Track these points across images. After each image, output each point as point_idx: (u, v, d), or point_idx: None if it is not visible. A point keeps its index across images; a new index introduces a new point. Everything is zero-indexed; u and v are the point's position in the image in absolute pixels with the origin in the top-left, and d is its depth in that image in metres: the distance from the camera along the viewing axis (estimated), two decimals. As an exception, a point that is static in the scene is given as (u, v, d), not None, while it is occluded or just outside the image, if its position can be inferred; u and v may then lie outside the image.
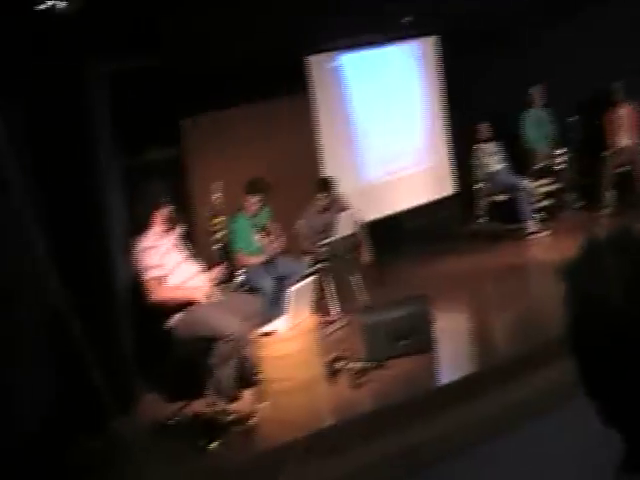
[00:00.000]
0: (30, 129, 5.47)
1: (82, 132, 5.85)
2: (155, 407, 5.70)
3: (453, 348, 6.06)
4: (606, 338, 1.07)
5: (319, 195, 7.72)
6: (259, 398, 5.34)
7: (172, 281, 5.35)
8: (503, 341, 6.64)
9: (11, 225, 3.40)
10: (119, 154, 6.82)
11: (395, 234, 9.90)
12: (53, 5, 4.02)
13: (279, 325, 5.39)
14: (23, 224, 3.21)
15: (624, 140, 9.52)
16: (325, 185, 7.83)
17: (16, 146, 5.07)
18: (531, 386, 5.18)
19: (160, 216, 5.57)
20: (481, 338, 6.67)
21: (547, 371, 5.22)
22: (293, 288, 5.46)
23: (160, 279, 5.29)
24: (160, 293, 5.27)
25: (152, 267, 5.28)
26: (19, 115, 5.33)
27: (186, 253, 5.63)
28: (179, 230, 5.72)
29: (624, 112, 9.56)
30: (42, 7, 4.07)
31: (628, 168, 9.47)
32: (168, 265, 5.37)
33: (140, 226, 5.58)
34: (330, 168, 9.05)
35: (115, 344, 5.91)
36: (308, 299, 5.58)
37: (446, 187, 10.71)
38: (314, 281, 6.77)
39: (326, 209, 7.76)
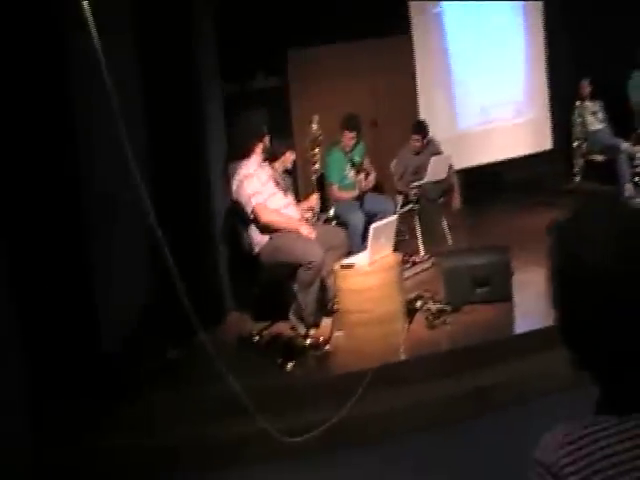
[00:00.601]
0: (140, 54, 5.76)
1: (188, 60, 6.09)
2: (242, 324, 6.08)
3: (531, 301, 6.12)
4: (584, 292, 1.19)
5: (414, 136, 7.80)
6: (336, 327, 5.58)
7: (271, 207, 5.64)
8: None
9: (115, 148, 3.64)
10: (225, 81, 7.08)
11: (494, 184, 9.92)
12: None
13: (360, 259, 5.56)
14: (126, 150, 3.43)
15: None
16: (420, 127, 7.92)
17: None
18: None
19: (262, 145, 5.81)
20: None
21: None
22: (374, 225, 5.58)
23: (264, 204, 5.58)
24: (267, 216, 5.60)
25: (256, 193, 5.57)
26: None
27: (281, 184, 5.88)
28: (278, 163, 5.95)
29: None
30: None
31: None
32: (265, 193, 5.63)
33: (242, 153, 5.82)
34: (426, 112, 9.08)
35: (210, 263, 6.29)
36: (390, 237, 5.70)
37: (545, 142, 10.59)
38: (398, 220, 6.92)
39: (420, 151, 7.84)
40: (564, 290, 1.24)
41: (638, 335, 1.17)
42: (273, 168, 5.94)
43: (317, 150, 6.12)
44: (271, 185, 5.77)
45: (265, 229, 5.65)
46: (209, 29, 6.59)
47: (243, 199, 5.63)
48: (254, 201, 5.58)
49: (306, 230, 5.57)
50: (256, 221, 5.63)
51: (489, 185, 9.70)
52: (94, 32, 3.35)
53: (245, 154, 5.80)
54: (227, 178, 6.09)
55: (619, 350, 1.18)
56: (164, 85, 5.91)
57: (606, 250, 1.18)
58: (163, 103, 5.88)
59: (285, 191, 5.94)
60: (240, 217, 5.88)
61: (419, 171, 7.68)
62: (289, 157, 6.14)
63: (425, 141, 7.88)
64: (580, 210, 1.29)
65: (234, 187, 5.71)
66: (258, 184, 5.64)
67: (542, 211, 8.95)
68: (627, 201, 1.44)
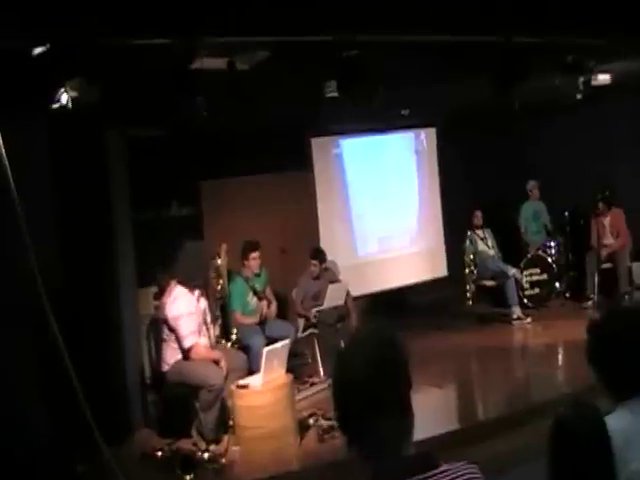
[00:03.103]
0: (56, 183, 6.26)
1: (102, 192, 6.65)
2: (149, 440, 6.52)
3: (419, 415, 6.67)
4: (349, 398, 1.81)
5: (312, 262, 8.51)
6: (233, 442, 6.08)
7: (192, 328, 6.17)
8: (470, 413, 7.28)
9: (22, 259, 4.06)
10: (141, 210, 7.64)
11: (397, 308, 10.59)
12: (66, 102, 4.81)
13: (255, 379, 6.13)
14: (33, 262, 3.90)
15: (608, 240, 10.19)
16: (317, 253, 8.65)
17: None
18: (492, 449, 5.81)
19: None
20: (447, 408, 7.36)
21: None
22: (267, 348, 6.17)
23: (199, 343, 6.18)
24: (199, 354, 6.16)
25: (193, 332, 6.14)
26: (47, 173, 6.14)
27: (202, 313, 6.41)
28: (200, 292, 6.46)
29: (611, 214, 10.24)
30: (55, 106, 4.85)
31: (611, 265, 10.13)
32: (193, 317, 6.20)
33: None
34: (327, 241, 9.88)
35: (118, 380, 6.71)
36: (283, 359, 6.29)
37: (440, 268, 11.44)
38: (301, 344, 7.53)
39: (318, 276, 8.53)
40: (337, 394, 1.83)
41: None
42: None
43: (222, 281, 6.75)
44: (196, 306, 6.30)
45: (184, 354, 6.18)
46: (123, 165, 7.20)
47: (172, 320, 6.14)
48: (192, 341, 6.11)
49: (222, 363, 6.13)
50: (183, 350, 6.15)
51: (393, 310, 10.38)
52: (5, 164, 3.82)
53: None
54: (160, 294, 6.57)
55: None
56: (78, 214, 6.35)
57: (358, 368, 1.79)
58: (76, 231, 6.30)
59: (203, 313, 6.46)
60: (155, 335, 6.44)
61: (318, 296, 8.34)
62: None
63: (323, 267, 8.56)
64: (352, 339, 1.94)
65: (167, 306, 6.21)
66: (190, 306, 6.18)
67: (437, 333, 9.68)
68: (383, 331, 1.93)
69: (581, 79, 7.98)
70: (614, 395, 2.65)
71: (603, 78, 8.08)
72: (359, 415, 1.76)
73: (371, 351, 1.81)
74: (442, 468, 1.79)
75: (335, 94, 6.44)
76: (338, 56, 5.79)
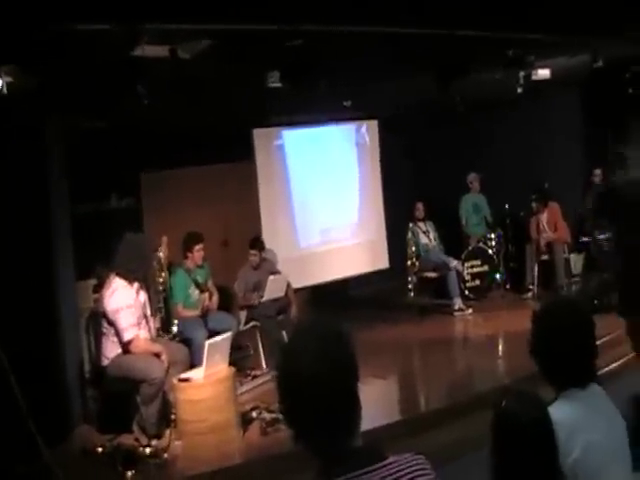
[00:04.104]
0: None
1: (39, 185, 6.49)
2: (89, 436, 6.37)
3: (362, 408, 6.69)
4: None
5: (251, 251, 8.45)
6: (175, 436, 6.00)
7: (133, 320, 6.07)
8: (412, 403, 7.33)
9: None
10: (80, 202, 7.50)
11: (340, 300, 10.60)
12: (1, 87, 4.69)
13: (196, 373, 6.06)
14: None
15: (547, 233, 10.37)
16: (256, 243, 8.58)
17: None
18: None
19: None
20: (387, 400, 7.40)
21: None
22: (209, 341, 6.12)
23: (139, 335, 6.06)
24: (138, 347, 6.04)
25: (132, 325, 6.03)
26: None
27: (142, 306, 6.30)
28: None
29: (548, 210, 10.42)
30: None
31: (549, 257, 10.32)
32: (133, 310, 6.08)
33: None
34: (269, 233, 9.81)
35: (57, 376, 6.54)
36: (225, 352, 6.24)
37: (382, 260, 11.49)
38: (244, 336, 7.48)
39: (258, 266, 8.46)
40: (284, 387, 1.80)
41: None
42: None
43: (163, 274, 6.65)
44: (136, 299, 6.18)
45: (123, 348, 6.07)
46: (61, 156, 7.04)
47: (111, 313, 6.02)
48: (131, 334, 6.00)
49: (163, 356, 6.03)
50: (123, 343, 6.03)
51: (335, 301, 10.39)
52: None
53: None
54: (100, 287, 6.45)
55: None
56: (14, 206, 6.19)
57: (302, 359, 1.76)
58: (13, 223, 6.14)
59: (143, 306, 6.34)
60: (94, 328, 6.32)
61: (258, 286, 8.27)
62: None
63: (262, 257, 8.52)
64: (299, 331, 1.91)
65: (106, 299, 6.08)
66: (129, 298, 6.06)
67: (380, 325, 9.74)
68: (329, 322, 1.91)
69: (522, 74, 8.11)
70: (555, 386, 2.68)
71: (543, 73, 8.19)
72: (306, 408, 1.74)
73: (319, 343, 1.79)
74: (390, 460, 1.79)
75: (278, 84, 6.40)
76: (282, 46, 5.75)
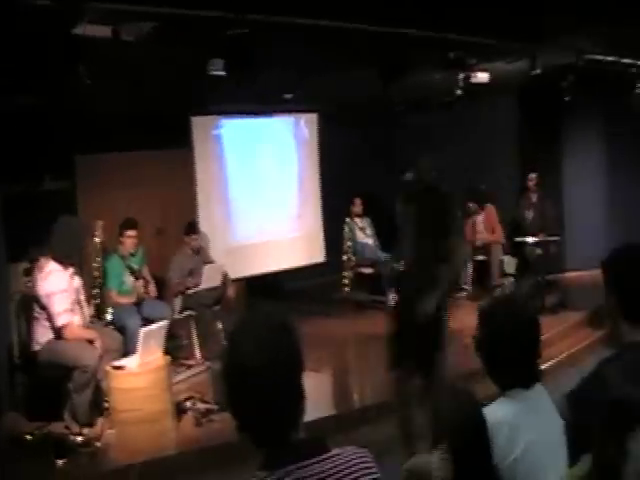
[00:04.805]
0: None
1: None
2: (18, 424, 6.16)
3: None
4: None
5: (186, 238, 8.36)
6: (108, 425, 5.91)
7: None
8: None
9: None
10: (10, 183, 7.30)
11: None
12: None
13: (131, 361, 5.99)
14: None
15: (482, 234, 10.54)
16: (191, 228, 8.50)
17: None
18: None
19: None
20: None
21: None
22: (144, 329, 6.05)
23: (72, 321, 5.93)
24: (72, 334, 5.90)
25: (66, 310, 5.89)
26: None
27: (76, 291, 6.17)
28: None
29: (484, 212, 10.62)
30: None
31: (484, 258, 10.49)
32: (65, 294, 5.94)
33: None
34: (204, 223, 9.66)
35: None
36: (160, 340, 6.18)
37: (318, 254, 11.51)
38: (178, 325, 7.41)
39: (194, 252, 8.38)
40: (229, 378, 1.79)
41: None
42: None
43: (98, 259, 6.53)
44: (70, 284, 6.05)
45: (56, 333, 5.93)
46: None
47: (44, 297, 5.88)
48: (65, 319, 5.86)
49: (97, 342, 5.92)
50: (55, 329, 5.90)
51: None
52: None
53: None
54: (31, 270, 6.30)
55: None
56: None
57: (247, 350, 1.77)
58: None
59: (77, 291, 6.22)
60: (25, 313, 6.17)
61: (194, 274, 8.16)
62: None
63: (197, 242, 8.44)
64: (244, 321, 1.90)
65: (39, 282, 5.94)
66: (63, 283, 5.93)
67: (315, 319, 9.74)
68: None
69: (461, 76, 8.24)
70: (500, 385, 2.71)
71: (482, 76, 8.32)
72: (251, 399, 1.75)
73: (264, 334, 1.80)
74: (333, 452, 1.81)
75: (219, 73, 6.35)
76: (225, 34, 5.70)
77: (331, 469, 1.77)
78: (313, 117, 11.56)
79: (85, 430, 5.82)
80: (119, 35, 5.33)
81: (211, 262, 8.48)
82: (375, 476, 1.85)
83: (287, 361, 1.79)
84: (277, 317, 1.87)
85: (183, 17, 5.33)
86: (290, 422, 1.79)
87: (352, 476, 1.79)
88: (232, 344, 1.82)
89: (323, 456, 1.78)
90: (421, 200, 5.40)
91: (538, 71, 8.26)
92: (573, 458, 2.68)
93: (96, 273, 6.73)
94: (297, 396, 1.81)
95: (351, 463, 1.81)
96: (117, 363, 5.98)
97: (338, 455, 1.81)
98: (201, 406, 6.30)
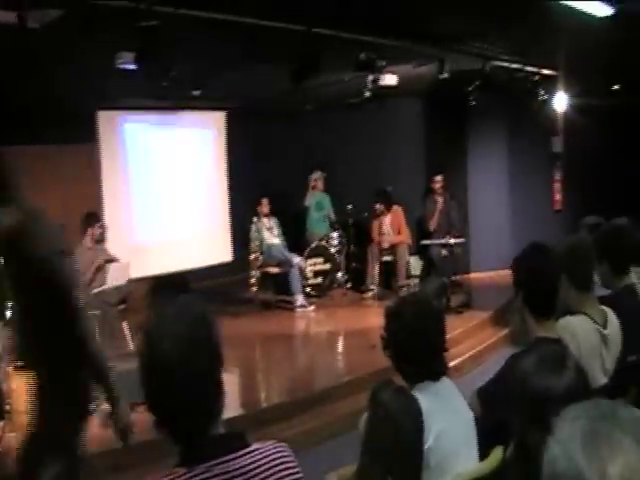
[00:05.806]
0: None
1: None
2: None
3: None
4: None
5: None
6: (9, 428, 5.66)
7: None
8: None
9: None
10: None
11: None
12: None
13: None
14: None
15: (389, 235, 10.65)
16: (93, 218, 8.22)
17: None
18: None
19: None
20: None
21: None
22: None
23: None
24: None
25: None
26: None
27: None
28: None
29: (391, 213, 10.71)
30: None
31: (390, 258, 10.60)
32: None
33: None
34: (109, 221, 9.33)
35: None
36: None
37: (225, 254, 11.41)
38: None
39: (94, 243, 8.10)
40: (146, 373, 1.75)
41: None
42: None
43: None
44: None
45: None
46: None
47: None
48: None
49: None
50: None
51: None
52: None
53: None
54: None
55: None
56: None
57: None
58: None
59: None
60: None
61: (95, 268, 7.87)
62: None
63: (99, 231, 8.15)
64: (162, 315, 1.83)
65: None
66: None
67: (221, 319, 9.58)
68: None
69: (370, 78, 8.33)
70: (408, 379, 2.77)
71: (390, 79, 8.43)
72: (170, 393, 1.72)
73: (183, 327, 1.76)
74: (252, 447, 1.80)
75: (128, 66, 6.20)
76: (135, 26, 5.57)
77: (251, 464, 1.75)
78: (222, 115, 11.46)
79: (-16, 433, 5.57)
80: (25, 22, 5.11)
81: (116, 260, 8.26)
82: (293, 470, 1.84)
83: (206, 354, 1.77)
84: (197, 310, 1.83)
85: (91, 5, 5.16)
86: (209, 417, 1.76)
87: (271, 471, 1.78)
88: (149, 338, 1.76)
89: (243, 451, 1.77)
90: None
91: (446, 75, 8.43)
92: (484, 451, 2.75)
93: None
94: (216, 390, 1.78)
95: (271, 457, 1.80)
96: (19, 363, 5.73)
97: (258, 450, 1.80)
98: (106, 407, 6.11)
